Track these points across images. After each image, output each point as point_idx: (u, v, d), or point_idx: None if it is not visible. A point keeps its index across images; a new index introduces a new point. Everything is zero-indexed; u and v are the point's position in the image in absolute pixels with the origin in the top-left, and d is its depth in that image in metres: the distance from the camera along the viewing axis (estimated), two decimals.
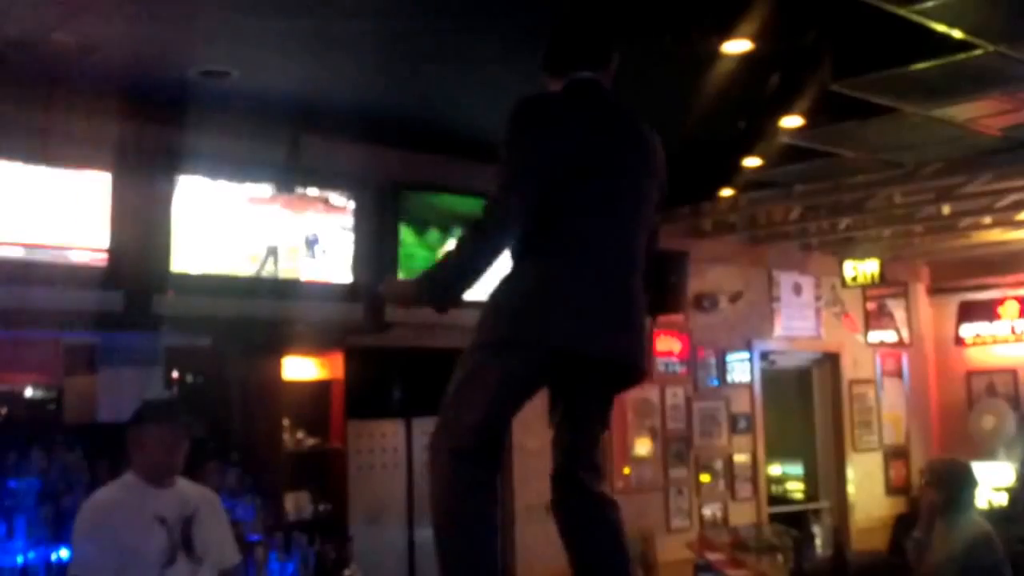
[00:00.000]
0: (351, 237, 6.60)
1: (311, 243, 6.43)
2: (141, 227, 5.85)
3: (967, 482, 5.13)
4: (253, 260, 6.21)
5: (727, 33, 4.52)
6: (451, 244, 2.86)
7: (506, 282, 2.80)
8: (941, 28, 4.43)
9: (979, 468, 9.54)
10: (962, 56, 4.76)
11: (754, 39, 4.58)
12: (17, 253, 5.43)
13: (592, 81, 2.92)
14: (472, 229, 2.78)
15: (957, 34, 4.52)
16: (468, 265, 2.73)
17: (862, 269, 10.12)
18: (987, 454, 10.42)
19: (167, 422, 3.83)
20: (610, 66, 2.98)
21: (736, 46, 4.71)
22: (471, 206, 6.51)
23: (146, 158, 5.88)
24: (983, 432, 10.79)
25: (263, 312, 6.19)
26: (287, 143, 6.44)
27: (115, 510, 3.71)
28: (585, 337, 2.72)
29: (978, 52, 4.70)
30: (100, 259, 5.68)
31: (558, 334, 2.69)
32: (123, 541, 3.63)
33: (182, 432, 3.84)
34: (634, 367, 2.88)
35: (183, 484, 3.88)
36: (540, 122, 2.80)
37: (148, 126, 5.91)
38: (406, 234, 6.93)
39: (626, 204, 2.85)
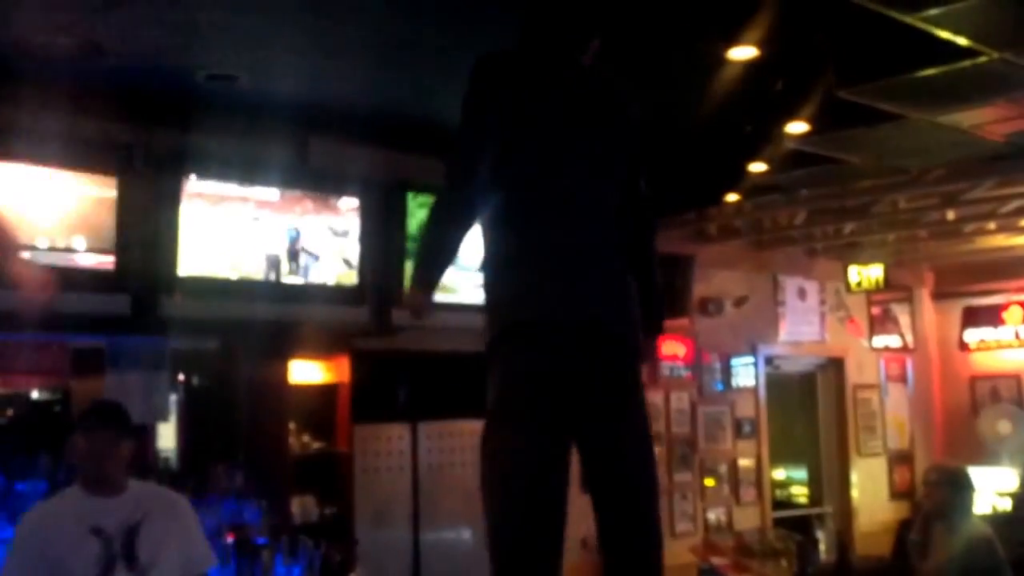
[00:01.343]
0: (357, 239, 6.61)
1: (310, 252, 6.45)
2: (148, 230, 5.87)
3: (964, 486, 5.17)
4: (260, 263, 6.23)
5: (733, 40, 4.53)
6: None
7: (481, 270, 2.85)
8: (946, 35, 4.44)
9: (983, 473, 9.67)
10: (967, 63, 4.77)
11: (760, 46, 4.60)
12: (24, 256, 5.44)
13: (557, 47, 2.89)
14: (434, 204, 2.88)
15: (962, 41, 4.53)
16: (430, 245, 2.85)
17: (867, 274, 10.13)
18: (991, 459, 10.43)
19: (93, 430, 3.63)
20: (585, 52, 2.93)
21: (742, 52, 4.73)
22: None
23: (153, 161, 5.90)
24: (995, 437, 10.77)
25: (270, 315, 6.21)
26: (294, 146, 6.46)
27: (47, 522, 3.57)
28: (540, 304, 2.68)
29: (983, 59, 4.71)
30: (107, 262, 5.70)
31: (515, 309, 2.70)
32: (51, 554, 3.49)
33: (110, 440, 3.62)
34: (610, 334, 2.76)
35: (137, 490, 3.69)
36: (487, 81, 2.81)
37: (155, 130, 5.94)
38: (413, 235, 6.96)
39: (582, 160, 2.82)
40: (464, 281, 7.00)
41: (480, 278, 2.88)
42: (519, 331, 2.69)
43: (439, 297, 7.23)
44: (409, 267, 6.89)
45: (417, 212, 6.96)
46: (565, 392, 2.68)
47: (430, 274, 2.83)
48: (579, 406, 2.72)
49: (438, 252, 2.82)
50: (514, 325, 2.71)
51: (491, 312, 2.78)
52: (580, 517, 2.80)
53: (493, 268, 2.81)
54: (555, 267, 2.71)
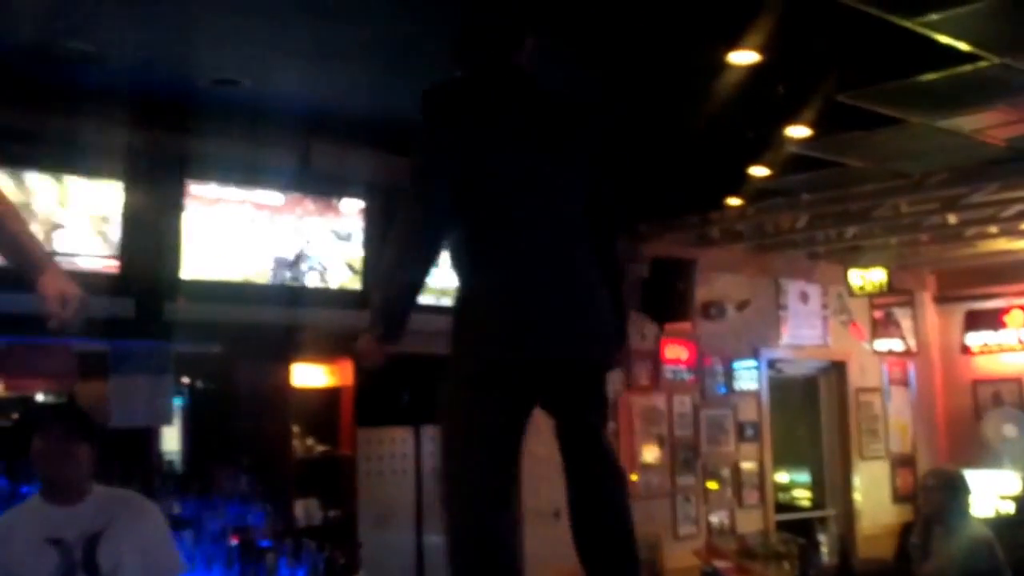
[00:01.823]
0: (360, 243, 6.63)
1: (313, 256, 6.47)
2: (152, 234, 5.89)
3: (960, 489, 5.21)
4: (263, 267, 6.25)
5: (734, 45, 4.55)
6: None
7: (452, 310, 2.77)
8: (947, 40, 4.46)
9: (986, 476, 9.68)
10: (968, 68, 4.79)
11: (761, 51, 4.62)
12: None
13: (498, 65, 2.85)
14: (390, 247, 2.73)
15: (963, 46, 4.55)
16: (394, 292, 2.72)
17: (869, 278, 10.14)
18: (993, 462, 10.44)
19: (49, 430, 3.46)
20: (520, 49, 2.88)
21: (743, 57, 4.75)
22: None
23: (157, 166, 5.93)
24: (1000, 441, 10.76)
25: (273, 319, 6.24)
26: (297, 150, 6.49)
27: (4, 534, 3.46)
28: (521, 342, 2.64)
29: (983, 64, 4.73)
30: (111, 266, 5.73)
31: (495, 347, 2.64)
32: (7, 566, 3.37)
33: (67, 440, 3.44)
34: (586, 359, 2.76)
35: (101, 497, 3.52)
36: (438, 113, 2.77)
37: (159, 134, 5.96)
38: None
39: (545, 179, 2.76)
40: None
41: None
42: (493, 371, 2.65)
43: (443, 302, 7.29)
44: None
45: None
46: (526, 417, 2.73)
47: (395, 325, 2.73)
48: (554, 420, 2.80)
49: (403, 299, 2.71)
50: (488, 365, 2.66)
51: (457, 346, 2.73)
52: (553, 490, 2.90)
53: (461, 302, 2.76)
54: (528, 300, 2.66)
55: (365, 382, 6.85)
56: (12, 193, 5.41)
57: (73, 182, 5.61)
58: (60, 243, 5.58)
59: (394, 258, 2.73)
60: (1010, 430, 10.79)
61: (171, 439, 6.72)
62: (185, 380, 6.61)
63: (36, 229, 5.48)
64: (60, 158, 5.58)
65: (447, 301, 7.13)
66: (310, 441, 6.80)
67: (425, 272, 2.71)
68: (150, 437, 6.48)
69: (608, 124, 3.02)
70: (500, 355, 2.65)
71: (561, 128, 2.84)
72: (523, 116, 2.80)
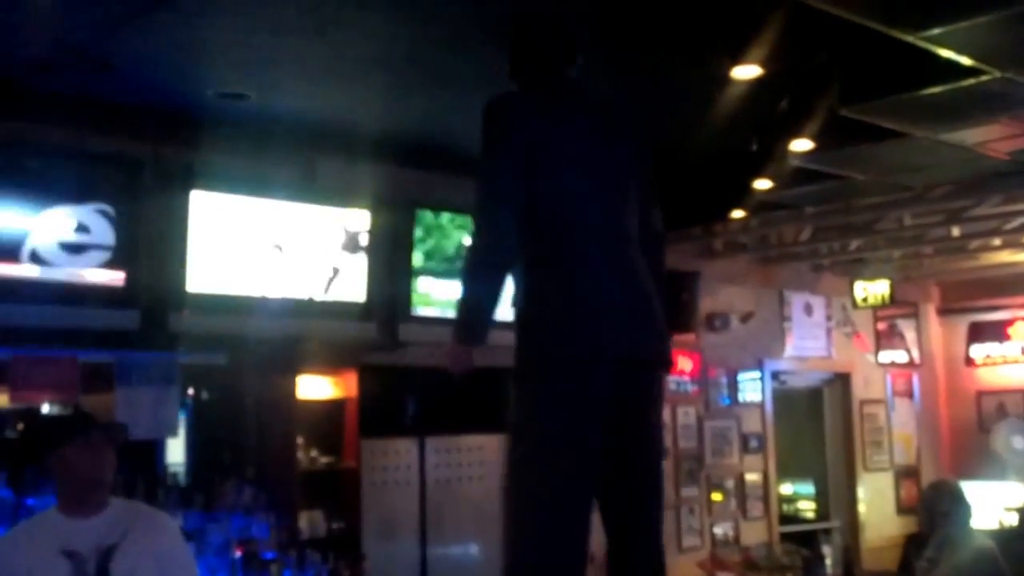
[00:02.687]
0: (366, 256, 6.65)
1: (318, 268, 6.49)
2: (157, 246, 5.92)
3: (959, 501, 5.22)
4: (268, 279, 6.27)
5: (737, 59, 4.57)
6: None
7: (513, 305, 2.83)
8: (949, 54, 4.48)
9: (990, 488, 9.67)
10: (971, 81, 4.80)
11: (764, 65, 4.64)
12: (34, 272, 5.51)
13: (554, 76, 2.96)
14: (468, 252, 2.84)
15: (965, 60, 4.57)
16: (475, 291, 2.76)
17: (873, 290, 10.16)
18: (998, 474, 10.43)
19: (85, 436, 3.43)
20: (573, 65, 3.00)
21: (746, 71, 4.77)
22: None
23: (163, 178, 5.95)
24: (1008, 452, 10.75)
25: (278, 331, 6.25)
26: (303, 163, 6.51)
27: (17, 548, 3.43)
28: (583, 339, 2.70)
29: (986, 78, 4.74)
30: (117, 278, 5.75)
31: (558, 342, 2.71)
32: None
33: (103, 441, 3.46)
34: (650, 359, 2.84)
35: (118, 509, 3.51)
36: (503, 118, 2.82)
37: (165, 146, 5.98)
38: (420, 253, 7.02)
39: (605, 186, 2.86)
40: None
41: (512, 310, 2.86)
42: (561, 364, 2.71)
43: (447, 313, 7.30)
44: (418, 284, 6.95)
45: (423, 230, 7.02)
46: (601, 416, 2.74)
47: (478, 330, 2.77)
48: (610, 427, 2.79)
49: (486, 305, 2.75)
50: (557, 358, 2.71)
51: (525, 344, 2.78)
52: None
53: (530, 301, 2.81)
54: (588, 301, 2.74)
55: (370, 393, 6.87)
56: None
57: (79, 193, 5.63)
58: (65, 255, 5.60)
59: (475, 261, 2.80)
60: (1019, 442, 10.79)
61: (175, 450, 6.74)
62: (189, 391, 6.62)
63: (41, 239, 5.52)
64: (66, 169, 5.60)
65: (450, 313, 7.15)
66: (314, 452, 6.81)
67: (504, 270, 2.76)
68: (154, 448, 6.51)
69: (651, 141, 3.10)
70: (576, 350, 2.70)
71: (617, 138, 2.95)
72: (582, 123, 2.90)
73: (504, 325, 2.86)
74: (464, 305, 2.80)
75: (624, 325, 2.76)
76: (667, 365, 2.94)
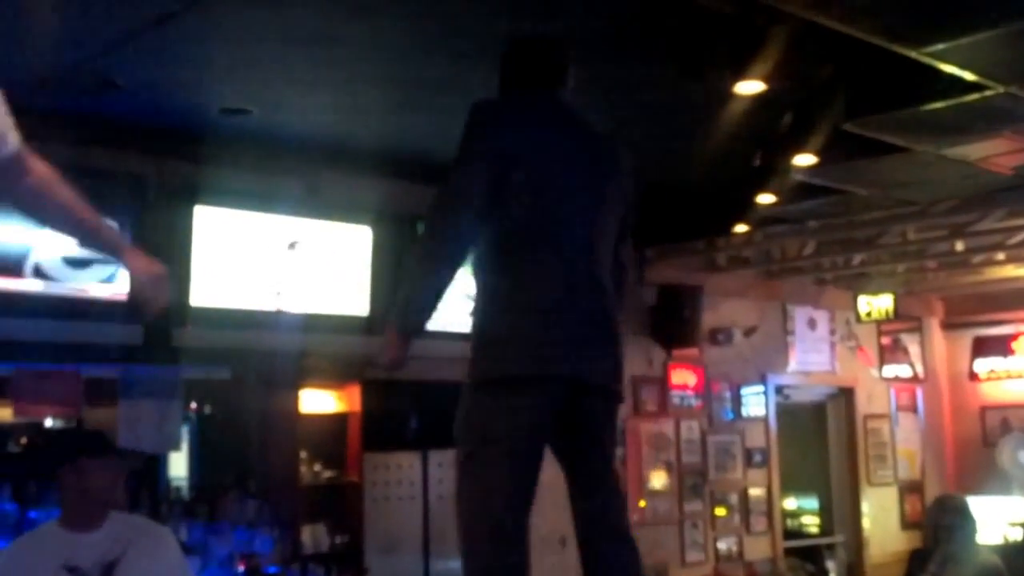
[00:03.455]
0: (368, 270, 6.66)
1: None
2: (161, 262, 5.90)
3: (965, 516, 5.20)
4: (271, 294, 6.28)
5: (741, 74, 4.58)
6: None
7: (472, 314, 2.83)
8: (952, 70, 4.49)
9: (995, 503, 9.64)
10: (974, 97, 4.80)
11: (768, 80, 4.64)
12: (38, 287, 5.52)
13: (542, 91, 2.96)
14: (420, 244, 2.81)
15: (968, 76, 4.57)
16: (423, 283, 2.75)
17: (876, 304, 10.14)
18: (1003, 488, 10.40)
19: (105, 456, 3.45)
20: (563, 84, 3.00)
21: (750, 87, 4.77)
22: None
23: (166, 193, 5.97)
24: (1015, 466, 10.71)
25: (281, 345, 6.26)
26: (306, 178, 6.52)
27: (19, 562, 3.44)
28: (532, 359, 2.70)
29: (989, 93, 4.75)
30: (121, 293, 5.75)
31: (506, 361, 2.71)
32: None
33: (119, 464, 3.50)
34: (600, 384, 2.83)
35: (119, 524, 3.49)
36: (483, 123, 2.83)
37: (169, 162, 6.00)
38: None
39: (577, 205, 2.83)
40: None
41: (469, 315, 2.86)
42: (509, 383, 2.71)
43: (450, 328, 7.31)
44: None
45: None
46: (545, 433, 2.77)
47: (418, 319, 2.76)
48: (558, 444, 2.84)
49: (430, 298, 2.74)
50: (503, 377, 2.71)
51: (480, 355, 2.78)
52: (559, 516, 2.93)
53: (485, 311, 2.81)
54: (549, 318, 2.73)
55: (373, 407, 6.87)
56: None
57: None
58: (69, 270, 5.61)
59: (425, 252, 2.77)
60: None
61: (179, 465, 6.74)
62: (192, 406, 6.62)
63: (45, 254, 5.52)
64: (72, 185, 5.60)
65: (455, 327, 7.16)
66: (317, 467, 6.81)
67: (454, 269, 2.75)
68: (157, 463, 6.51)
69: (634, 166, 3.08)
70: (525, 369, 2.70)
71: (599, 164, 2.92)
72: (564, 140, 2.89)
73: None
74: (408, 295, 2.78)
75: (580, 347, 2.75)
76: (617, 395, 2.91)
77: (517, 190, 2.75)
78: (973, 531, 5.23)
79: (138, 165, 5.88)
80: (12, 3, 4.20)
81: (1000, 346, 11.38)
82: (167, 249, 5.93)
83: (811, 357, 10.48)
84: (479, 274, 2.85)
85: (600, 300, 2.84)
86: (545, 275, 2.76)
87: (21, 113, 5.23)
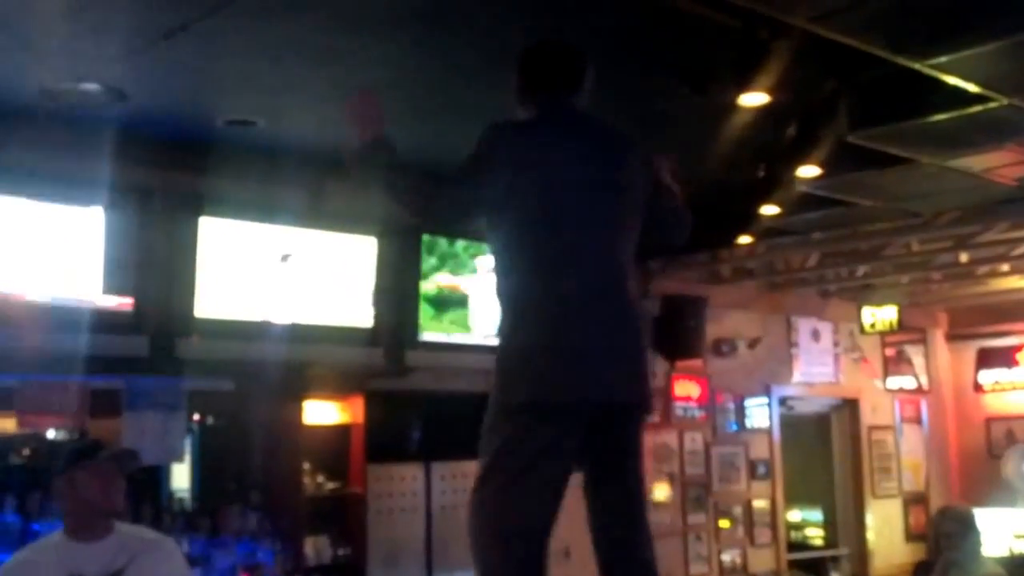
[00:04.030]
0: (372, 281, 6.66)
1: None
2: (166, 272, 5.93)
3: (971, 527, 5.19)
4: (275, 305, 6.28)
5: (745, 87, 4.58)
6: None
7: (497, 336, 2.83)
8: (955, 82, 4.49)
9: (1000, 515, 9.61)
10: (977, 108, 4.81)
11: (771, 92, 4.65)
12: (44, 298, 5.52)
13: (558, 101, 2.96)
14: (419, 182, 2.83)
15: (972, 87, 4.58)
16: (392, 187, 2.86)
17: (880, 315, 10.13)
18: (1008, 500, 10.38)
19: (95, 461, 3.41)
20: (580, 89, 3.01)
21: (754, 99, 4.78)
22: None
23: (172, 204, 5.97)
24: (1022, 479, 10.68)
25: (285, 356, 6.26)
26: (310, 189, 6.53)
27: (24, 573, 3.41)
28: (563, 386, 2.68)
29: (993, 105, 4.75)
30: (126, 303, 5.76)
31: (535, 388, 2.68)
32: None
33: (113, 468, 3.44)
34: (630, 403, 2.82)
35: (123, 533, 3.48)
36: (494, 138, 2.84)
37: (174, 173, 6.01)
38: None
39: (598, 221, 2.82)
40: (478, 322, 7.05)
41: (494, 333, 2.87)
42: (534, 409, 2.69)
43: (455, 338, 7.30)
44: (424, 311, 6.96)
45: (437, 258, 7.04)
46: (570, 460, 2.76)
47: (366, 173, 2.88)
48: (585, 467, 2.82)
49: (387, 188, 2.85)
50: (530, 403, 2.70)
51: (503, 379, 2.77)
52: (563, 527, 2.86)
53: (505, 333, 2.80)
54: (571, 338, 2.70)
55: (376, 419, 6.86)
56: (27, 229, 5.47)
57: (88, 219, 5.65)
58: (74, 280, 5.62)
59: (402, 187, 2.87)
60: None
61: (181, 476, 6.73)
62: (195, 417, 6.62)
63: (51, 265, 5.53)
64: (75, 196, 5.63)
65: (459, 339, 7.19)
66: (320, 478, 6.80)
67: (420, 204, 2.84)
68: (160, 474, 6.51)
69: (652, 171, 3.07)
70: (549, 395, 2.69)
71: (616, 168, 2.92)
72: (580, 153, 2.87)
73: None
74: (385, 180, 2.88)
75: (605, 369, 2.74)
76: (648, 409, 2.90)
77: (534, 210, 2.77)
78: (978, 542, 5.21)
79: (144, 176, 5.89)
80: (21, 14, 4.22)
81: (1005, 357, 11.36)
82: (172, 260, 5.95)
83: (815, 369, 10.47)
84: (500, 295, 2.84)
85: (622, 318, 2.81)
86: (565, 298, 2.74)
87: (30, 124, 5.27)
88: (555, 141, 2.88)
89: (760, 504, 9.72)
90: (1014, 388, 11.35)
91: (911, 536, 11.00)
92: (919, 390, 11.34)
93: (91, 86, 5.05)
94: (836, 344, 10.71)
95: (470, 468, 7.94)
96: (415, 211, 2.90)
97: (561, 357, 2.70)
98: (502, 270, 2.82)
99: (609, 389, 2.75)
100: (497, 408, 2.76)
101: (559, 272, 2.75)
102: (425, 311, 7.00)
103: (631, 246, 2.92)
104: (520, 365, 2.73)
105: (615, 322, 2.79)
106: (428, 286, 7.04)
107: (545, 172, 2.80)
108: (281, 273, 6.29)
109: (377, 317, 6.65)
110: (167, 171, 5.95)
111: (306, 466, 6.66)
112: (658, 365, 8.89)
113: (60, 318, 5.51)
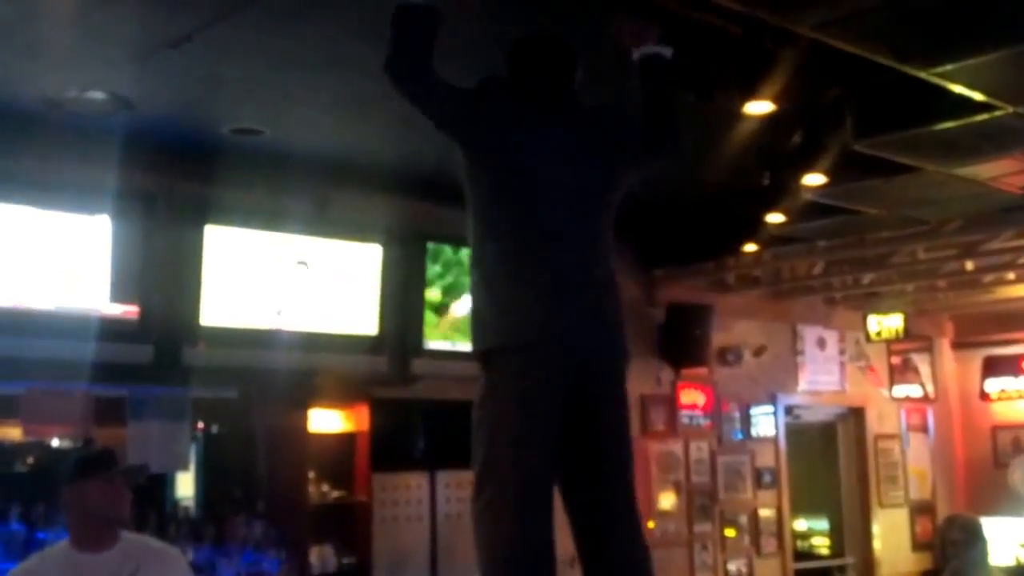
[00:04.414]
0: (377, 289, 6.67)
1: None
2: (171, 281, 5.94)
3: (979, 537, 5.18)
4: (280, 313, 6.29)
5: (750, 95, 4.58)
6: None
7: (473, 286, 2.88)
8: (961, 90, 4.48)
9: (1007, 524, 9.57)
10: (983, 117, 4.80)
11: (776, 100, 4.64)
12: (48, 306, 5.53)
13: (544, 89, 2.98)
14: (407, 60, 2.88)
15: (977, 96, 4.57)
16: (389, 57, 2.88)
17: (886, 324, 10.11)
18: (1015, 509, 10.34)
19: (105, 472, 3.42)
20: (569, 81, 3.03)
21: (759, 107, 4.77)
22: None
23: (177, 212, 5.98)
24: None
25: (290, 364, 6.26)
26: (315, 197, 6.54)
27: None
28: (521, 327, 2.72)
29: (999, 113, 4.74)
30: (131, 312, 5.77)
31: (498, 333, 2.73)
32: None
33: (122, 480, 3.46)
34: (598, 360, 2.80)
35: (129, 542, 3.50)
36: (489, 82, 2.94)
37: (180, 181, 6.03)
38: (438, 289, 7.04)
39: (573, 176, 2.85)
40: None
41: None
42: (507, 356, 2.73)
43: (458, 347, 7.30)
44: (429, 317, 6.96)
45: (441, 266, 7.04)
46: (558, 407, 2.74)
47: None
48: (571, 419, 2.78)
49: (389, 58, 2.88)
50: (502, 349, 2.74)
51: (479, 325, 2.82)
52: (567, 536, 2.85)
53: (481, 280, 2.85)
54: (545, 289, 2.75)
55: (381, 427, 6.86)
56: (32, 237, 5.47)
57: (94, 228, 5.66)
58: (79, 288, 5.62)
59: (395, 69, 2.91)
60: None
61: (186, 484, 6.73)
62: (199, 425, 6.61)
63: (56, 273, 5.54)
64: (81, 204, 5.64)
65: (464, 347, 7.15)
66: (325, 487, 6.79)
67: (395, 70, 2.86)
68: (164, 482, 6.50)
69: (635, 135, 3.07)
70: (507, 340, 2.73)
71: (595, 136, 2.95)
72: (561, 126, 2.91)
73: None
74: (392, 50, 2.90)
75: (575, 316, 2.76)
76: (622, 354, 2.90)
77: (510, 165, 2.82)
78: (985, 551, 5.20)
79: (150, 184, 5.90)
80: (28, 22, 4.23)
81: (1011, 366, 11.32)
82: (177, 268, 5.96)
83: (821, 377, 10.44)
84: (474, 241, 2.90)
85: (596, 278, 2.85)
86: (540, 249, 2.78)
87: (35, 131, 5.29)
88: (538, 115, 2.91)
89: (766, 513, 9.70)
90: (1020, 396, 11.30)
91: (918, 545, 10.96)
92: (925, 398, 11.30)
93: (97, 94, 5.07)
94: (842, 352, 10.69)
95: None
96: (387, 72, 2.90)
97: (531, 306, 2.74)
98: (483, 227, 2.87)
99: (582, 337, 2.76)
100: (481, 361, 2.80)
101: (533, 249, 2.79)
102: (429, 319, 7.01)
103: (609, 219, 2.95)
104: (493, 318, 2.78)
105: (584, 277, 2.82)
106: (433, 294, 7.05)
107: (525, 141, 2.85)
108: (286, 281, 6.29)
109: (382, 325, 6.65)
110: (173, 179, 5.97)
111: (311, 474, 6.65)
112: (663, 373, 8.89)
113: (65, 326, 5.51)
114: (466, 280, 7.00)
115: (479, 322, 2.83)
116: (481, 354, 2.80)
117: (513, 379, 2.72)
